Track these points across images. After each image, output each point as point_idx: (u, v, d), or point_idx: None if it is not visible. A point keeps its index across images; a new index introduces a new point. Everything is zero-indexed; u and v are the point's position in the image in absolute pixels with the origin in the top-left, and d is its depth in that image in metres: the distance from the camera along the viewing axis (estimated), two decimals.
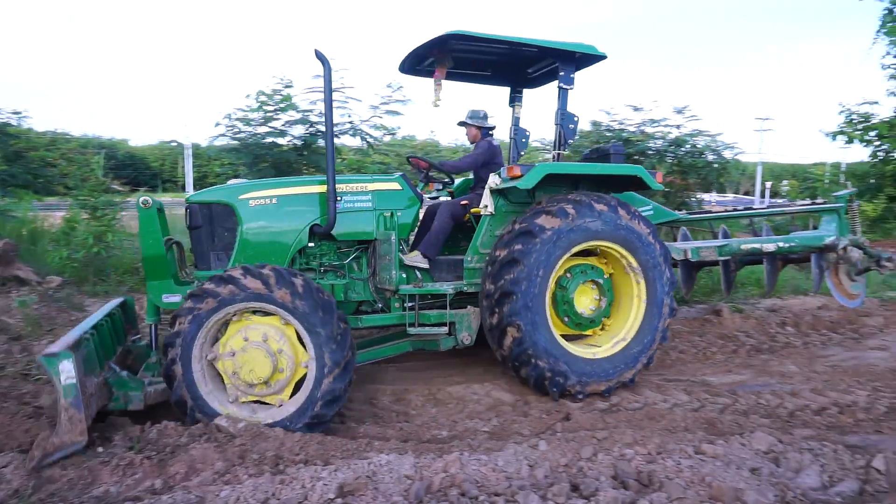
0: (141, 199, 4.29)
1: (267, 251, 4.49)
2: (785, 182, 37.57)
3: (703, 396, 4.70)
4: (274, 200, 4.55)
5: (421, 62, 5.18)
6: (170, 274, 4.44)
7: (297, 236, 4.57)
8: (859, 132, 14.41)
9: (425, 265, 4.78)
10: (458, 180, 5.79)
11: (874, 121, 14.25)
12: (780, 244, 5.72)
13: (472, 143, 5.49)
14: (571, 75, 4.89)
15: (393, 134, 8.01)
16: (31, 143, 11.01)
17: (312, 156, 7.74)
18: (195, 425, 3.81)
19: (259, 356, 3.85)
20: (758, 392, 4.77)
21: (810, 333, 6.49)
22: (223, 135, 7.28)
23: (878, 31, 14.32)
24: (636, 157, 8.95)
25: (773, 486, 2.99)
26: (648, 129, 9.01)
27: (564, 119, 4.95)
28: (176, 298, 4.34)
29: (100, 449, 3.53)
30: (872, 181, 14.39)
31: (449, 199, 5.38)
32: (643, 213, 4.94)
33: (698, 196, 9.48)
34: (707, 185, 9.14)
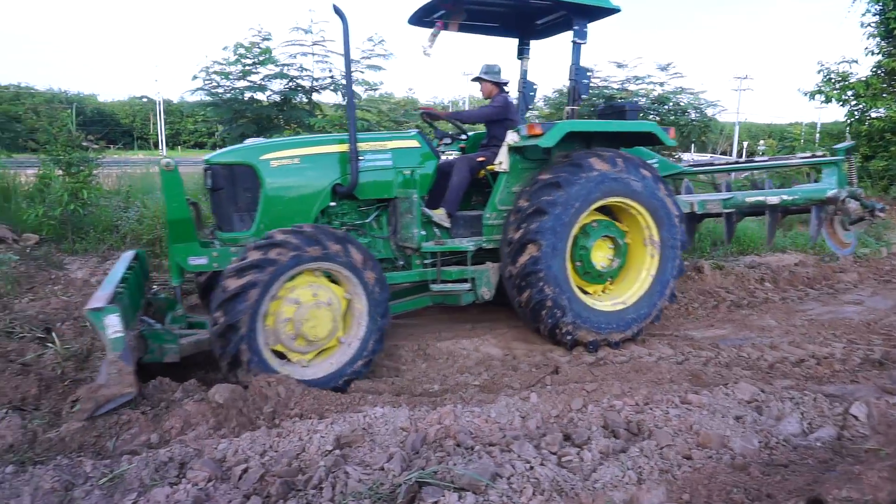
0: (164, 161, 4.18)
1: (291, 212, 4.42)
2: (761, 141, 37.92)
3: (686, 350, 4.82)
4: (296, 160, 4.48)
5: (431, 14, 5.09)
6: (195, 237, 4.37)
7: (320, 196, 4.55)
8: (836, 91, 14.50)
9: (448, 223, 4.85)
10: (469, 134, 5.82)
11: (852, 80, 14.33)
12: (784, 197, 5.90)
13: (486, 97, 5.46)
14: (585, 29, 4.90)
15: (375, 90, 7.85)
16: None
17: (292, 111, 7.55)
18: (237, 379, 3.79)
19: (325, 316, 3.95)
20: (739, 346, 4.91)
21: (788, 289, 6.65)
22: (200, 89, 7.05)
23: None
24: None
25: (757, 433, 3.11)
26: (632, 87, 8.96)
27: (578, 74, 4.98)
28: (203, 261, 4.30)
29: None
30: (850, 141, 14.55)
31: (463, 154, 5.33)
32: (650, 164, 5.04)
33: (678, 154, 9.53)
34: (688, 143, 9.19)
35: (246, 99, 7.53)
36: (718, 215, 6.17)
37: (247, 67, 7.35)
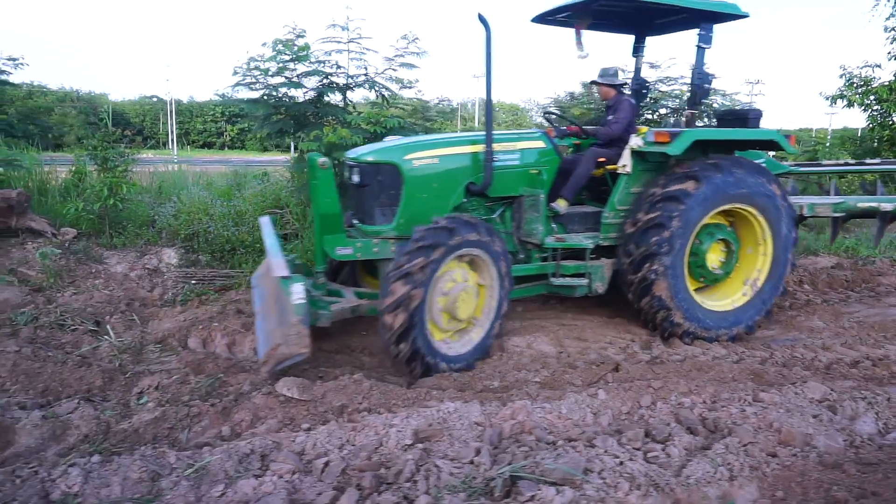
0: (320, 160, 4.45)
1: (429, 207, 4.59)
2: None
3: (739, 350, 4.79)
4: (435, 160, 4.69)
5: (555, 15, 5.21)
6: (343, 229, 4.62)
7: (455, 193, 4.77)
8: (859, 96, 14.46)
9: (564, 210, 5.07)
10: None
11: (874, 84, 14.29)
12: None
13: (604, 100, 5.60)
14: (710, 34, 5.01)
15: (410, 87, 7.82)
16: (8, 95, 10.55)
17: (326, 108, 7.53)
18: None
19: (469, 298, 4.32)
20: (791, 346, 4.88)
21: (828, 291, 6.61)
22: (241, 84, 7.03)
23: None
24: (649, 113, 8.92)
25: (840, 432, 3.08)
26: (664, 88, 8.94)
27: (701, 78, 5.10)
28: (348, 251, 4.55)
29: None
30: (874, 144, 14.52)
31: (588, 151, 5.42)
32: (764, 167, 5.14)
33: None
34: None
35: (281, 95, 7.53)
36: (825, 218, 6.18)
37: (283, 64, 7.35)
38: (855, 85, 14.56)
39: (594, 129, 5.59)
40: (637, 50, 5.82)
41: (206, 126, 52.28)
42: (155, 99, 51.12)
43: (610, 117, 5.47)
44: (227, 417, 3.39)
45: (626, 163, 4.97)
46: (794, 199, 5.85)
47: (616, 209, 5.03)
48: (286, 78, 7.39)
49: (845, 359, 4.63)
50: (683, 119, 5.24)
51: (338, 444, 3.02)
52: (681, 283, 4.79)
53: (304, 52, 7.09)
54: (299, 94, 7.52)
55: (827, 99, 14.83)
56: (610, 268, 5.01)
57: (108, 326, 4.63)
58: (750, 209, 4.96)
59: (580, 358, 4.57)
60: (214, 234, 6.71)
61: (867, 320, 5.52)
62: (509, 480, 2.55)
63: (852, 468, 2.65)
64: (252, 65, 7.15)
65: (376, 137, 7.33)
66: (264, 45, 7.06)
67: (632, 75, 6.09)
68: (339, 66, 7.63)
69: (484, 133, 4.72)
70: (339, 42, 7.52)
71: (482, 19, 4.44)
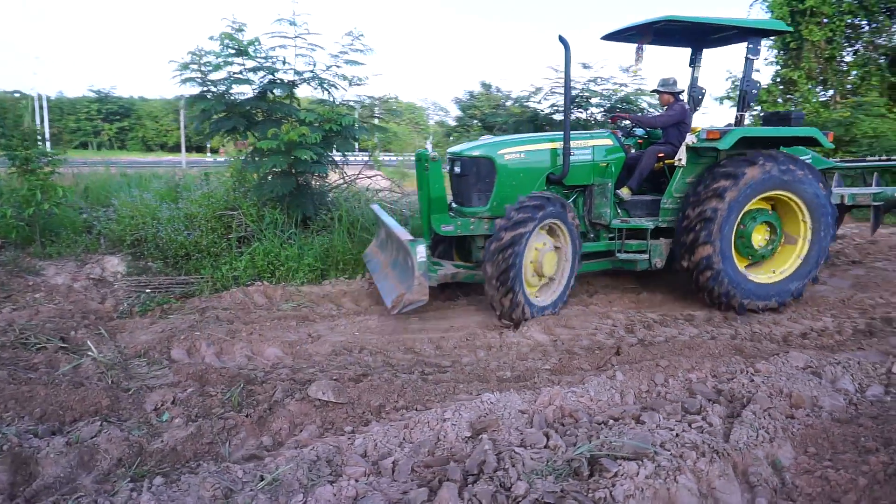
0: (432, 154, 5.61)
1: (516, 193, 5.41)
2: None
3: (709, 328, 5.24)
4: (522, 155, 5.66)
5: (625, 33, 5.89)
6: (447, 210, 5.70)
7: (538, 181, 5.70)
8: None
9: (628, 197, 5.89)
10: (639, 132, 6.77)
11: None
12: None
13: (664, 106, 6.33)
14: (758, 46, 5.75)
15: (360, 84, 7.71)
16: None
17: (276, 106, 7.27)
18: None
19: (553, 257, 5.34)
20: (749, 322, 5.40)
21: None
22: (191, 79, 6.58)
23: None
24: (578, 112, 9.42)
25: (837, 392, 3.50)
26: (595, 87, 9.46)
27: (749, 85, 5.83)
28: (450, 228, 5.60)
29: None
30: None
31: (651, 146, 6.16)
32: (805, 161, 5.79)
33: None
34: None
35: (222, 92, 7.16)
36: (868, 206, 6.90)
37: (225, 59, 6.99)
38: (672, 80, 16.13)
39: (638, 116, 6.47)
40: (694, 61, 6.53)
41: (80, 124, 47.87)
42: (17, 94, 46.10)
43: (663, 114, 6.27)
44: (265, 427, 3.26)
45: (682, 157, 5.73)
46: (838, 190, 6.62)
47: (673, 196, 5.80)
48: (231, 74, 7.06)
49: (794, 331, 5.21)
50: (735, 121, 5.98)
51: (397, 443, 3.02)
52: (727, 254, 5.48)
53: (256, 46, 6.80)
54: (246, 91, 7.21)
55: (716, 100, 16.35)
56: (667, 247, 5.81)
57: (89, 342, 4.23)
58: (790, 195, 5.63)
59: (575, 344, 4.80)
60: (166, 239, 6.28)
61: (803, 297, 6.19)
62: (590, 459, 2.68)
63: (869, 422, 3.04)
64: (194, 59, 6.76)
65: (331, 136, 7.20)
66: (211, 38, 6.69)
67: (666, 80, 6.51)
68: (285, 62, 7.40)
69: (562, 132, 5.58)
70: (285, 37, 7.29)
71: (562, 40, 5.27)
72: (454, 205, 5.90)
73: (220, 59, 6.87)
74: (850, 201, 6.68)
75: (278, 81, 7.41)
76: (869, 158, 8.61)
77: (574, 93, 9.41)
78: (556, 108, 9.91)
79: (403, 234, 4.96)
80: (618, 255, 5.83)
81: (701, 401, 3.39)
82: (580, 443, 2.89)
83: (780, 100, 16.32)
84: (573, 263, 5.43)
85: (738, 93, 6.03)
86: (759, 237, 5.80)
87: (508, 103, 29.27)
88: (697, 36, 6.21)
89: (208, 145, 32.77)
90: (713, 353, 4.38)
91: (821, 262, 5.90)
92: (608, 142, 5.98)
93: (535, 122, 9.72)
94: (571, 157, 5.62)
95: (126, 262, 6.13)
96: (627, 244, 5.80)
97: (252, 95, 7.20)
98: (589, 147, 5.85)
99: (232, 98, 6.91)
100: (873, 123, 12.97)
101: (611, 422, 3.16)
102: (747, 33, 5.75)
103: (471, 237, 5.85)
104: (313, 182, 7.47)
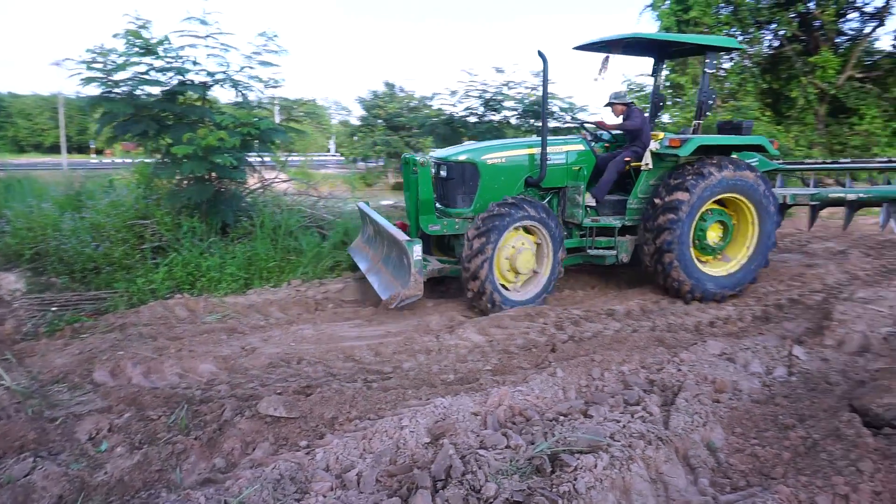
0: (421, 160, 5.96)
1: (498, 195, 5.97)
2: None
3: (628, 322, 5.59)
4: (503, 160, 6.12)
5: (596, 45, 6.45)
6: (434, 211, 6.05)
7: (517, 184, 6.18)
8: (636, 100, 17.14)
9: (594, 203, 6.41)
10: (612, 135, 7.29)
11: (647, 90, 17.09)
12: (861, 195, 7.31)
13: (618, 116, 6.75)
14: (714, 62, 6.36)
15: (276, 87, 7.50)
16: None
17: (189, 109, 6.91)
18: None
19: (529, 255, 5.82)
20: (663, 314, 5.82)
21: None
22: (96, 80, 6.09)
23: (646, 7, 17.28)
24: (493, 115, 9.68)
25: (752, 377, 3.87)
26: (508, 91, 9.76)
27: (705, 95, 6.39)
28: (437, 227, 6.01)
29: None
30: None
31: (616, 158, 6.59)
32: (753, 165, 6.42)
33: None
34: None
35: (125, 93, 6.72)
36: (806, 205, 7.55)
37: (128, 59, 6.56)
38: (632, 89, 17.23)
39: (617, 125, 6.76)
40: (656, 72, 7.16)
41: None
42: None
43: (626, 121, 6.71)
44: (216, 448, 3.15)
45: (648, 161, 6.31)
46: (780, 191, 7.24)
47: (638, 197, 6.38)
48: (137, 74, 6.65)
49: (703, 321, 5.68)
50: (692, 129, 6.50)
51: (358, 455, 3.02)
52: (686, 251, 6.05)
53: (164, 45, 6.44)
54: (155, 92, 6.80)
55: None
56: (633, 243, 6.39)
57: (1, 371, 3.85)
58: (740, 197, 6.22)
59: (510, 344, 4.96)
60: (71, 252, 5.82)
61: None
62: (550, 456, 2.82)
63: (783, 401, 3.41)
64: (96, 58, 6.29)
65: (249, 140, 6.97)
66: (116, 36, 6.26)
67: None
68: (196, 63, 7.07)
69: (539, 138, 6.07)
70: (196, 36, 6.97)
71: (541, 54, 5.70)
72: (439, 206, 6.25)
73: (125, 59, 6.44)
74: (791, 200, 7.41)
75: (189, 83, 7.08)
76: (807, 162, 9.56)
77: (487, 96, 9.67)
78: (470, 110, 10.13)
79: (399, 234, 5.45)
80: (588, 251, 6.37)
81: (638, 392, 3.64)
82: (538, 441, 3.02)
83: (669, 102, 17.56)
84: (555, 257, 5.91)
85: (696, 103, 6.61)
86: (713, 234, 6.41)
87: (413, 104, 29.31)
88: (660, 50, 6.86)
89: (92, 145, 30.41)
90: (639, 345, 4.69)
91: (768, 254, 6.54)
92: (580, 147, 6.47)
93: (450, 125, 9.88)
94: (548, 162, 6.08)
95: (25, 279, 5.61)
96: (597, 241, 6.38)
97: (161, 97, 6.80)
98: (563, 152, 6.32)
99: (139, 100, 6.49)
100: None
101: (561, 418, 3.33)
102: (703, 49, 6.40)
103: (454, 235, 6.24)
104: (232, 188, 7.18)
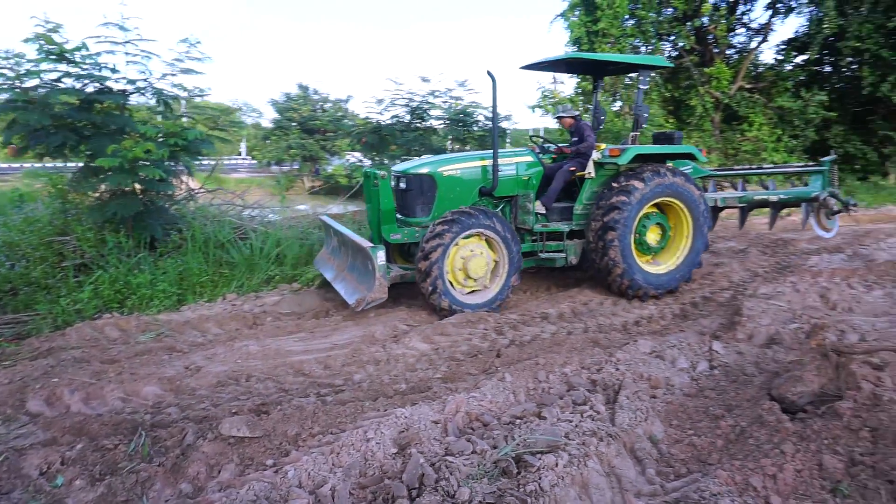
0: (381, 173, 6.16)
1: (454, 205, 6.40)
2: None
3: (562, 325, 5.92)
4: (458, 172, 6.54)
5: (540, 65, 7.17)
6: (395, 220, 6.37)
7: (472, 194, 6.61)
8: (551, 106, 17.88)
9: (544, 212, 6.87)
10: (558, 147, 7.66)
11: (562, 96, 17.85)
12: (782, 196, 8.24)
13: (567, 128, 7.37)
14: (647, 79, 6.99)
15: (201, 96, 7.28)
16: None
17: (111, 118, 6.56)
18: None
19: (482, 262, 6.16)
20: (593, 315, 6.20)
21: None
22: (2, 87, 5.66)
23: (557, 17, 18.06)
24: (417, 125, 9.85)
25: (682, 372, 4.26)
26: (434, 100, 9.95)
27: (640, 110, 7.00)
28: (399, 236, 6.32)
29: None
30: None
31: (562, 169, 7.03)
32: (685, 171, 6.99)
33: None
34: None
35: (59, 103, 6.31)
36: (735, 207, 8.29)
37: (36, 66, 6.17)
38: (547, 97, 17.96)
39: (576, 148, 7.18)
40: (595, 88, 7.90)
41: None
42: None
43: (575, 138, 7.24)
44: (181, 474, 3.11)
45: (591, 170, 6.84)
46: (712, 195, 7.93)
47: (584, 203, 6.89)
48: (49, 81, 6.28)
49: (629, 320, 6.12)
50: (630, 140, 7.05)
51: (328, 469, 3.09)
52: (628, 251, 6.54)
53: (81, 52, 6.13)
54: (72, 101, 6.44)
55: (530, 108, 17.99)
56: (580, 246, 6.91)
57: None
58: (675, 201, 6.78)
59: (456, 351, 5.14)
60: None
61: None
62: (514, 459, 3.01)
63: (711, 393, 3.78)
64: (2, 63, 5.89)
65: (176, 150, 6.75)
66: (27, 41, 5.88)
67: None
68: (115, 70, 6.76)
69: (491, 151, 6.45)
70: (114, 42, 6.67)
71: (490, 75, 6.07)
72: (399, 216, 6.59)
73: (34, 64, 6.07)
74: (722, 203, 8.15)
75: (107, 90, 6.76)
76: (736, 168, 10.37)
77: (413, 104, 9.83)
78: (397, 118, 10.25)
79: (363, 242, 5.82)
80: (540, 254, 6.84)
81: (584, 392, 3.91)
82: (500, 444, 3.21)
83: (581, 108, 18.46)
84: (508, 276, 6.28)
85: (632, 116, 7.28)
86: (652, 236, 6.95)
87: (328, 105, 28.81)
88: (597, 68, 7.67)
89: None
90: (576, 347, 5.00)
91: (702, 253, 7.09)
92: (529, 158, 6.93)
93: (378, 133, 9.96)
94: (500, 173, 6.52)
95: None
96: (548, 245, 6.86)
97: (78, 105, 6.45)
98: (513, 163, 6.77)
99: (55, 110, 6.13)
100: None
101: (517, 421, 3.53)
102: (636, 67, 7.05)
103: (414, 243, 6.55)
104: (159, 201, 6.91)
